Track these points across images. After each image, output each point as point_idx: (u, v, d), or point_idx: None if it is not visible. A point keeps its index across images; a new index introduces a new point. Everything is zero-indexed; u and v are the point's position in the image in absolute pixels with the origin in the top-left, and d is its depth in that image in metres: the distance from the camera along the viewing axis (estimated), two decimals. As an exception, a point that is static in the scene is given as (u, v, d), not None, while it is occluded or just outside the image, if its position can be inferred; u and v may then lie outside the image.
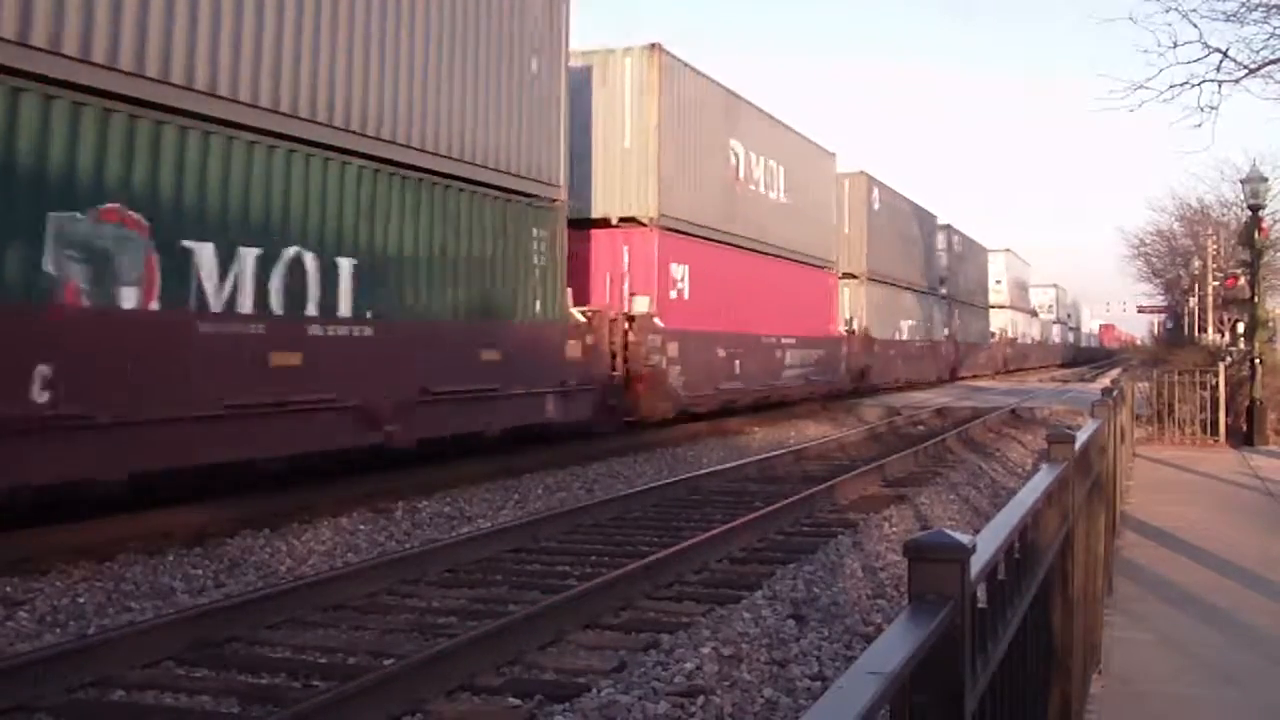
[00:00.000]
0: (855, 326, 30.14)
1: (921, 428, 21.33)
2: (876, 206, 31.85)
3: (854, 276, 30.52)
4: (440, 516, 10.66)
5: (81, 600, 7.21)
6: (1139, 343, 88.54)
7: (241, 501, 9.99)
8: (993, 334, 53.56)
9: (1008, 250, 59.13)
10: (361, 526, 9.96)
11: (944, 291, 41.71)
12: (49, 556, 7.98)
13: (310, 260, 10.27)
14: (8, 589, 7.27)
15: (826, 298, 27.48)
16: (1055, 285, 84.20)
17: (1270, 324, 26.36)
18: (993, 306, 54.23)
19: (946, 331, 41.88)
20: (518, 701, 5.29)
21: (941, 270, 41.58)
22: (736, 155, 21.40)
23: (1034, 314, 70.90)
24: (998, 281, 55.75)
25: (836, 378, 27.52)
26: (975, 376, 44.82)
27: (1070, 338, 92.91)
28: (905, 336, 35.20)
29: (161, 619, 6.38)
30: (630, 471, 14.41)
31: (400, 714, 5.03)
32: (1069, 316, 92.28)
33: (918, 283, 37.19)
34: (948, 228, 43.24)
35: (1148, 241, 60.49)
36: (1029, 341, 64.64)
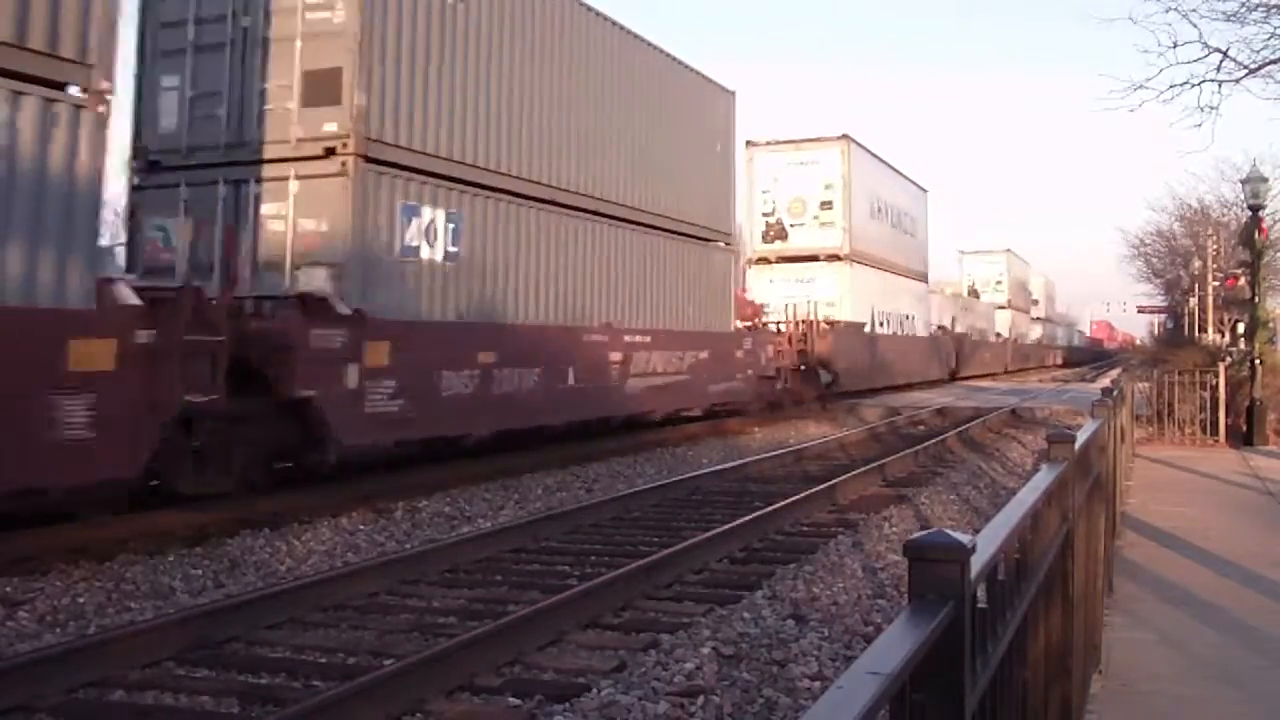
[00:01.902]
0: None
1: (922, 427, 21.33)
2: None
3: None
4: (440, 516, 10.66)
5: (81, 600, 7.21)
6: (1139, 343, 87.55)
7: (241, 502, 9.99)
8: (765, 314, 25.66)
9: (848, 137, 29.32)
10: (361, 526, 9.97)
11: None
12: (49, 556, 7.99)
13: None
14: (8, 589, 7.27)
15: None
16: (1008, 251, 60.70)
17: (1270, 324, 26.35)
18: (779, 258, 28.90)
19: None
20: (518, 701, 5.29)
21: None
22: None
23: (975, 294, 53.59)
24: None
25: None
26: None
27: (1040, 333, 69.21)
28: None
29: (161, 619, 6.39)
30: (630, 471, 14.42)
31: (400, 714, 5.03)
32: (1036, 303, 69.12)
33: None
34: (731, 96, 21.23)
35: (1148, 242, 60.26)
36: (930, 335, 38.31)
